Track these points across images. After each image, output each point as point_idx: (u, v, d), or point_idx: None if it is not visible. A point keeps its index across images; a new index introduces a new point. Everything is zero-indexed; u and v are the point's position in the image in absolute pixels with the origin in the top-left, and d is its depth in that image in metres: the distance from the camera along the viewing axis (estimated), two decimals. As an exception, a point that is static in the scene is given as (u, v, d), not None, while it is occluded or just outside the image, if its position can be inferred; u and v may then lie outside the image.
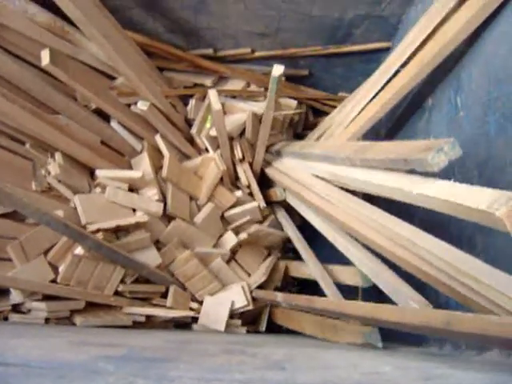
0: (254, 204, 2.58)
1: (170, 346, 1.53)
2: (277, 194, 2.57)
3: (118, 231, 2.30)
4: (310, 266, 2.28)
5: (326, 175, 1.97)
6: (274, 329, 2.57)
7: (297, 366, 1.20)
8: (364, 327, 1.64)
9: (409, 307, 1.47)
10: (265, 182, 2.73)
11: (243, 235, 2.53)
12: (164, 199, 2.46)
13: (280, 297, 2.06)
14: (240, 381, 0.90)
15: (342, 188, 1.90)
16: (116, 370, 0.93)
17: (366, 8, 2.26)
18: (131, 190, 2.42)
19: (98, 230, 2.19)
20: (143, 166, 2.48)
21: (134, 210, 2.38)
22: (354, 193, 1.84)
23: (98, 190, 2.38)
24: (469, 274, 1.25)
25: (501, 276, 1.20)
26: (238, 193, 2.62)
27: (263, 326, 2.51)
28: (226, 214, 2.62)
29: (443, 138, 1.26)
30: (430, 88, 1.98)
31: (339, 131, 2.26)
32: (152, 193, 2.45)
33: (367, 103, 2.12)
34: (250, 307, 2.40)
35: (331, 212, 1.92)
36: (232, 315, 2.38)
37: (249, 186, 2.65)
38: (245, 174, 2.61)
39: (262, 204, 2.60)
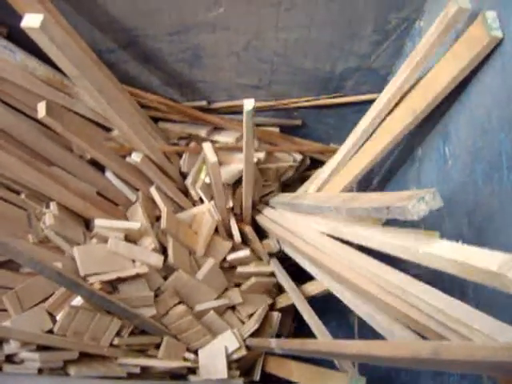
0: (247, 252, 2.60)
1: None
2: (270, 245, 2.59)
3: (116, 281, 2.30)
4: (304, 317, 2.28)
5: (325, 229, 1.99)
6: (266, 379, 2.55)
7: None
8: (352, 376, 1.65)
9: (398, 340, 1.47)
10: (259, 232, 2.75)
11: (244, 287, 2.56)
12: (161, 249, 2.48)
13: (274, 342, 2.05)
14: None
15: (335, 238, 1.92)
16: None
17: (356, 61, 2.31)
18: (128, 240, 2.43)
19: (100, 283, 2.21)
20: (138, 217, 2.50)
21: (134, 261, 2.39)
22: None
23: (94, 240, 2.39)
24: (459, 320, 1.26)
25: (492, 322, 1.20)
26: (246, 252, 2.63)
27: (257, 376, 2.49)
28: (239, 270, 2.65)
29: (427, 188, 1.29)
30: (420, 138, 2.01)
31: (328, 184, 2.29)
32: (148, 242, 2.45)
33: (354, 155, 2.15)
34: (244, 352, 2.38)
35: (319, 258, 1.94)
36: (229, 363, 2.36)
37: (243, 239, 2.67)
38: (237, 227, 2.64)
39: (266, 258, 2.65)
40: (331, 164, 2.26)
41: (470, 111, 1.62)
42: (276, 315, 2.73)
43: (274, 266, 2.67)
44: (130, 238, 2.45)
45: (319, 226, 2.04)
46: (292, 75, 2.46)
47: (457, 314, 1.27)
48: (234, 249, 2.64)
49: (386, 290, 1.55)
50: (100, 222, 2.39)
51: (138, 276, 2.32)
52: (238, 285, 2.70)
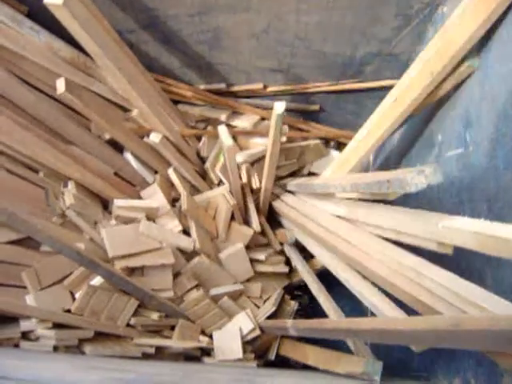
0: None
1: (178, 373, 1.53)
2: (286, 237, 2.58)
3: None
4: (320, 300, 2.28)
5: (341, 213, 1.98)
6: (280, 363, 2.56)
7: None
8: (368, 359, 1.64)
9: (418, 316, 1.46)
10: (273, 218, 2.75)
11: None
12: (185, 233, 2.49)
13: (290, 323, 2.05)
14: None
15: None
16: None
17: (377, 46, 2.29)
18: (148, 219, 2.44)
19: (126, 268, 2.23)
20: (155, 198, 2.51)
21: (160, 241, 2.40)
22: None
23: (113, 221, 2.40)
24: (477, 304, 1.25)
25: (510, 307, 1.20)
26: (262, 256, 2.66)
27: (273, 355, 2.49)
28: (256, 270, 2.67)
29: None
30: (440, 124, 1.99)
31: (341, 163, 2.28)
32: (173, 224, 2.47)
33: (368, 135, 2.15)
34: (258, 332, 2.40)
35: (335, 243, 1.94)
36: (244, 345, 2.37)
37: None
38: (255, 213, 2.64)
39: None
40: (352, 144, 2.25)
41: (492, 97, 1.60)
42: (293, 303, 2.76)
43: (290, 251, 2.67)
44: (149, 219, 2.46)
45: (336, 209, 2.03)
46: (312, 59, 2.45)
47: (472, 297, 1.27)
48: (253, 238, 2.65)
49: (399, 273, 1.55)
50: (119, 202, 2.40)
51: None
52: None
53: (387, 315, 1.66)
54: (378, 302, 1.76)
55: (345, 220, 1.95)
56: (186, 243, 2.40)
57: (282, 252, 2.78)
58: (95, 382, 1.02)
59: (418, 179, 1.28)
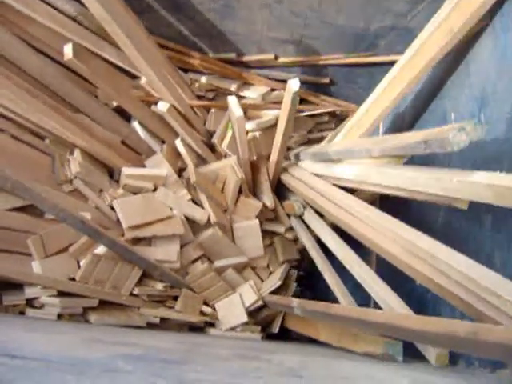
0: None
1: (184, 348, 1.52)
2: (294, 208, 2.55)
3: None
4: (325, 277, 2.26)
5: (351, 176, 1.95)
6: (285, 335, 2.56)
7: (313, 374, 1.18)
8: (387, 338, 1.61)
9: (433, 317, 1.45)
10: (281, 192, 2.74)
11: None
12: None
13: (295, 302, 2.03)
14: (259, 387, 0.89)
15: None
16: (135, 369, 0.92)
17: (392, 19, 2.25)
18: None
19: (138, 239, 2.25)
20: (160, 167, 2.48)
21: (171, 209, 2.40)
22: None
23: (121, 191, 2.38)
24: (489, 289, 1.23)
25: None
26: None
27: (276, 329, 2.49)
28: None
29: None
30: (453, 102, 1.96)
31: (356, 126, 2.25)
32: (182, 193, 2.46)
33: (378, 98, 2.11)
34: (260, 302, 2.41)
35: (347, 221, 1.92)
36: (248, 315, 2.39)
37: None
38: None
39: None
40: (364, 107, 2.22)
41: (509, 75, 1.57)
42: (294, 273, 2.76)
43: (297, 226, 2.65)
44: (156, 188, 2.45)
45: (346, 172, 2.00)
46: (324, 31, 2.40)
47: (487, 283, 1.25)
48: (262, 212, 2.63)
49: (414, 255, 1.53)
50: (127, 171, 2.38)
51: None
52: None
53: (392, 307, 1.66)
54: (383, 293, 1.75)
55: (356, 183, 1.93)
56: (200, 214, 2.39)
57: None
58: (103, 358, 1.01)
59: (459, 137, 1.23)
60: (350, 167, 1.98)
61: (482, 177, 1.22)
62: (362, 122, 2.20)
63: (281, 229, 2.68)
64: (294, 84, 1.96)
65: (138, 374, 0.88)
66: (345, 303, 2.04)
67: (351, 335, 1.75)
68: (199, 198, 2.46)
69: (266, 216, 2.66)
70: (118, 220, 2.30)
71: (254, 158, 2.64)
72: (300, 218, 2.61)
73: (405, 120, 2.39)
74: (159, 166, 2.50)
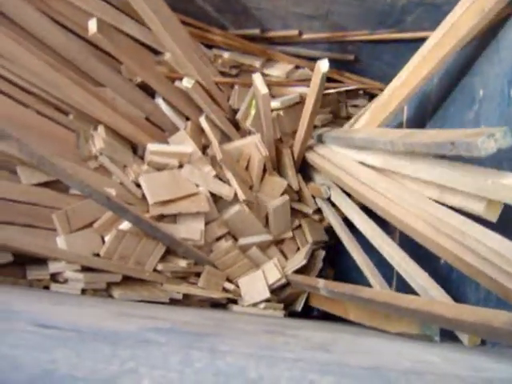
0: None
1: (210, 322, 1.52)
2: (321, 192, 2.52)
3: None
4: (354, 256, 2.25)
5: (377, 164, 1.94)
6: (306, 314, 2.56)
7: (341, 349, 1.18)
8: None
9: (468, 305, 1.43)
10: (305, 171, 2.72)
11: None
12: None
13: (321, 283, 2.02)
14: (292, 359, 0.89)
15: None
16: (167, 341, 0.92)
17: (419, -6, 2.22)
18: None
19: (163, 216, 2.25)
20: (185, 144, 2.47)
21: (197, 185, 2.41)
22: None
23: (145, 167, 2.38)
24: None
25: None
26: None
27: (300, 307, 2.51)
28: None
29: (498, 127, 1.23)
30: (482, 79, 1.92)
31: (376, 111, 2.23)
32: (207, 170, 2.46)
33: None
34: (284, 280, 2.40)
35: (373, 198, 1.90)
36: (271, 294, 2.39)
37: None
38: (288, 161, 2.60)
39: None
40: (388, 90, 2.19)
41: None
42: (321, 252, 2.75)
43: (323, 206, 2.63)
44: (181, 165, 2.45)
45: (373, 159, 1.99)
46: (351, 6, 2.36)
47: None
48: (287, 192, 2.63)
49: (442, 231, 1.52)
50: (152, 147, 2.38)
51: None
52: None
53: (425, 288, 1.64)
54: (414, 273, 1.73)
55: (382, 172, 1.91)
56: (227, 191, 2.38)
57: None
58: (134, 330, 1.01)
59: (488, 143, 1.21)
60: (376, 155, 1.97)
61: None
62: (388, 102, 2.17)
63: (308, 210, 2.67)
64: (323, 65, 1.95)
65: (171, 345, 0.88)
66: (375, 283, 2.02)
67: (384, 315, 1.73)
68: (224, 175, 2.45)
69: (291, 197, 2.65)
70: (143, 196, 2.31)
71: (278, 136, 2.63)
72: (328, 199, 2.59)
73: (431, 100, 2.35)
74: (183, 143, 2.49)
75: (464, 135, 1.32)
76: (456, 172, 1.45)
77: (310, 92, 2.15)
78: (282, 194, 2.57)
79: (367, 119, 2.31)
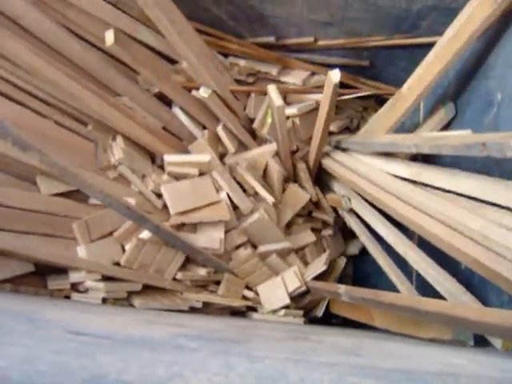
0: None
1: (235, 330, 1.53)
2: (341, 203, 2.50)
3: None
4: (380, 263, 2.24)
5: (405, 174, 1.93)
6: (326, 320, 2.55)
7: (371, 354, 1.18)
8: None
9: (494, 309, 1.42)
10: (322, 179, 2.73)
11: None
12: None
13: (342, 288, 2.01)
14: (328, 363, 0.88)
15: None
16: (199, 347, 0.92)
17: (434, -1, 2.21)
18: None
19: (182, 224, 2.25)
20: (203, 152, 2.47)
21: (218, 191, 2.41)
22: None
23: (165, 177, 2.38)
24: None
25: None
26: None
27: (321, 312, 2.49)
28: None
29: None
30: (500, 82, 1.92)
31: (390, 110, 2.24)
32: (227, 177, 2.45)
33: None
34: (304, 288, 2.39)
35: (392, 204, 1.89)
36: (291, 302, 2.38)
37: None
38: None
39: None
40: (403, 89, 2.20)
41: None
42: (342, 259, 2.75)
43: (348, 218, 2.61)
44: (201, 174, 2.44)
45: (397, 169, 1.98)
46: (366, 12, 2.37)
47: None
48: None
49: (464, 235, 1.51)
50: (169, 158, 2.37)
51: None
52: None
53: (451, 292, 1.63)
54: (441, 278, 1.73)
55: (408, 182, 1.90)
56: (246, 204, 2.41)
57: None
58: (167, 337, 1.01)
59: None
60: (404, 164, 1.97)
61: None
62: (404, 98, 2.17)
63: (329, 219, 2.68)
64: (334, 75, 1.95)
65: (205, 350, 0.88)
66: (403, 289, 2.01)
67: (413, 321, 1.71)
68: (246, 183, 2.46)
69: (309, 208, 2.66)
70: (163, 206, 2.32)
71: (295, 147, 2.64)
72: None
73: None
74: (201, 152, 2.49)
75: (497, 137, 1.32)
76: (486, 184, 1.45)
77: (323, 102, 2.15)
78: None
79: (382, 117, 2.31)
